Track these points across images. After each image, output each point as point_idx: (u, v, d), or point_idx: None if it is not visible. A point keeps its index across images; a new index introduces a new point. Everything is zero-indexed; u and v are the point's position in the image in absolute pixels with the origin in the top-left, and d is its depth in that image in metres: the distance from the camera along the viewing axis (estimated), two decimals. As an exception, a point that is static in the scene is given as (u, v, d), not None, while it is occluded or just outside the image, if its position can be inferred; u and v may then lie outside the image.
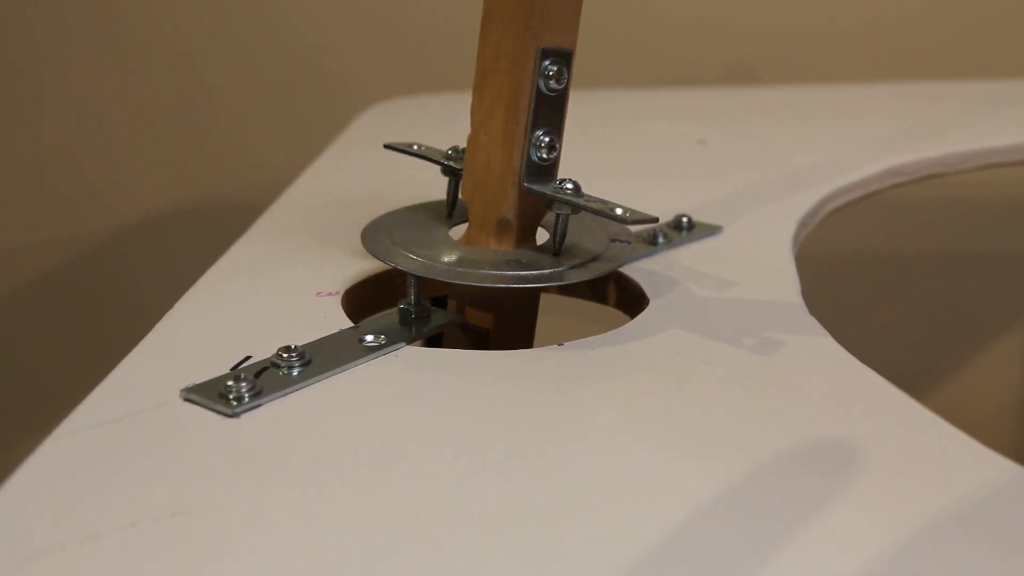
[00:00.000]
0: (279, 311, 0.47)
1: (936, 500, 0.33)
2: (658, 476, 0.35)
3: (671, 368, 0.42)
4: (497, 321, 0.48)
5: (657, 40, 1.12)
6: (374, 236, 0.48)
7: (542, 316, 0.51)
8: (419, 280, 0.46)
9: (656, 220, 0.44)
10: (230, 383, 0.39)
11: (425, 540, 0.31)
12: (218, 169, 1.21)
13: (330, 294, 0.49)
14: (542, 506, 0.33)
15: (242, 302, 0.48)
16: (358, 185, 0.67)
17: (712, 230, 0.57)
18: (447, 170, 0.49)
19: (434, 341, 0.50)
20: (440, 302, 0.49)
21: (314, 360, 0.42)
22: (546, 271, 0.45)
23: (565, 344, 0.44)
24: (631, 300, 0.51)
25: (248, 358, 0.42)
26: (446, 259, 0.46)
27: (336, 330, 0.45)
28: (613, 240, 0.48)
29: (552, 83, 0.44)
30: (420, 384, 0.41)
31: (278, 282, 0.50)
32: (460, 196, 0.49)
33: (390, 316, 0.46)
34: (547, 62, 0.44)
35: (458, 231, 0.50)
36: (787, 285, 0.50)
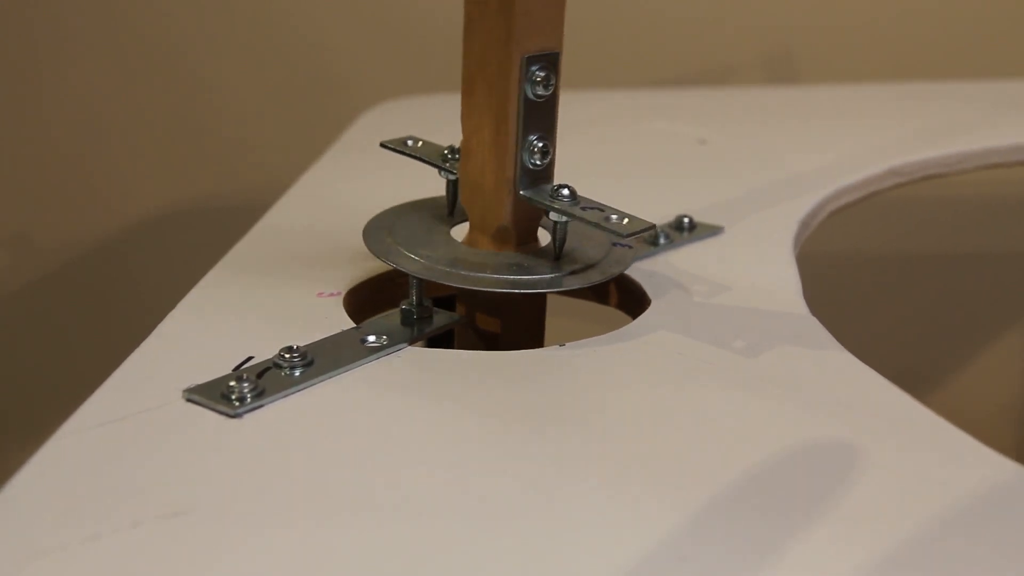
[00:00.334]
0: (281, 312, 0.47)
1: (937, 500, 0.33)
2: (659, 476, 0.35)
3: (672, 368, 0.42)
4: (505, 324, 0.48)
5: (657, 40, 1.12)
6: (376, 234, 0.48)
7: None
8: (421, 281, 0.46)
9: (653, 227, 0.44)
10: (232, 383, 0.39)
11: (426, 540, 0.31)
12: (219, 170, 1.21)
13: (332, 295, 0.49)
14: (544, 506, 0.33)
15: (244, 303, 0.48)
16: (359, 186, 0.68)
17: (713, 231, 0.57)
18: (445, 172, 0.49)
19: (436, 341, 0.50)
20: (442, 302, 0.49)
21: (316, 361, 0.42)
22: (546, 276, 0.45)
23: (567, 344, 0.44)
24: (632, 301, 0.51)
25: (250, 359, 0.42)
26: (447, 261, 0.46)
27: (338, 331, 0.45)
28: (615, 244, 0.48)
29: (540, 89, 0.44)
30: (422, 385, 0.41)
31: (280, 283, 0.50)
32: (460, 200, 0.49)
33: (392, 317, 0.46)
34: (534, 68, 0.43)
35: (459, 230, 0.50)
36: (788, 285, 0.50)
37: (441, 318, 0.47)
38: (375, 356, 0.43)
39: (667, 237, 0.55)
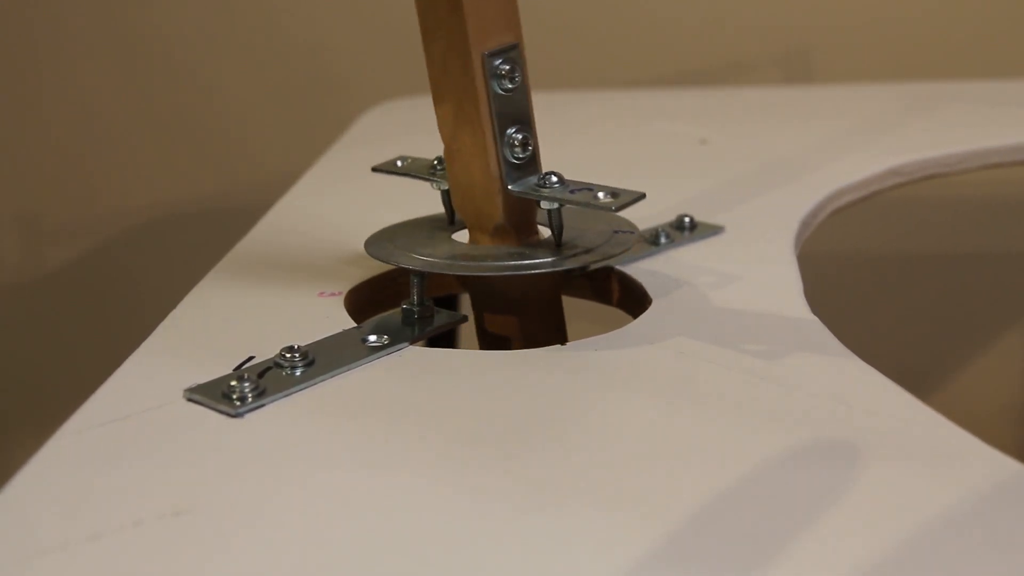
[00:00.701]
0: (282, 312, 0.47)
1: (938, 498, 0.33)
2: (660, 475, 0.35)
3: (674, 368, 0.42)
4: (517, 320, 0.48)
5: (658, 41, 1.12)
6: (377, 244, 0.48)
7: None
8: (422, 280, 0.46)
9: (643, 196, 0.44)
10: (233, 383, 0.39)
11: (427, 539, 0.31)
12: (220, 170, 1.21)
13: (332, 294, 0.49)
14: (545, 505, 0.33)
15: (244, 303, 0.48)
16: (360, 186, 0.68)
17: (714, 230, 0.57)
18: (436, 185, 0.49)
19: (437, 341, 0.50)
20: (444, 302, 0.49)
21: (317, 360, 0.42)
22: (548, 259, 0.45)
23: (568, 344, 0.44)
24: (634, 300, 0.51)
25: (251, 358, 0.42)
26: (448, 256, 0.46)
27: (339, 330, 0.45)
28: (616, 232, 0.48)
29: (506, 82, 0.44)
30: (423, 384, 0.41)
31: (280, 283, 0.50)
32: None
33: (393, 316, 0.46)
34: (497, 63, 0.43)
35: (461, 237, 0.50)
36: (789, 285, 0.50)
37: (442, 318, 0.47)
38: (376, 356, 0.43)
39: (668, 237, 0.55)
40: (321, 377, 0.41)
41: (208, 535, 0.32)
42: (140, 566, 0.30)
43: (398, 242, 0.48)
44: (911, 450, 0.36)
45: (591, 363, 0.42)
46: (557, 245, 0.46)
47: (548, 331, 0.49)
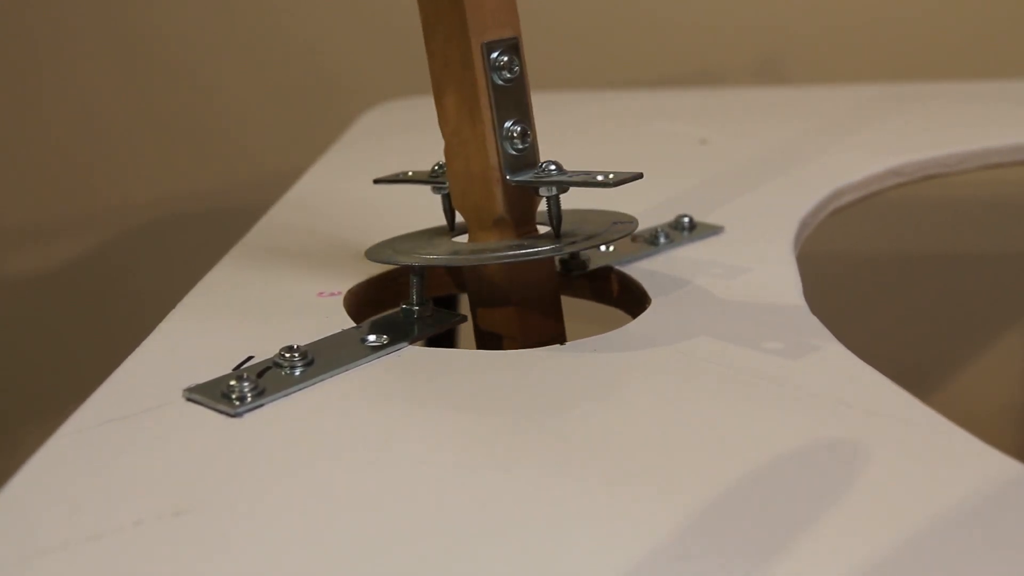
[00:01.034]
0: (281, 311, 0.47)
1: (939, 498, 0.33)
2: (660, 475, 0.35)
3: (673, 367, 0.42)
4: (516, 315, 0.48)
5: (658, 41, 1.12)
6: (378, 251, 0.48)
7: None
8: (421, 279, 0.46)
9: (640, 176, 0.44)
10: (232, 383, 0.39)
11: (428, 539, 0.31)
12: (220, 170, 1.21)
13: (332, 294, 0.49)
14: (545, 505, 0.33)
15: (244, 302, 0.48)
16: (360, 186, 0.68)
17: (713, 230, 0.57)
18: (437, 188, 0.49)
19: (436, 341, 0.50)
20: (444, 302, 0.49)
21: (316, 360, 0.42)
22: (548, 247, 0.45)
23: (567, 344, 0.44)
24: (633, 300, 0.51)
25: (250, 358, 0.42)
26: (447, 252, 0.46)
27: (338, 330, 0.45)
28: (615, 223, 0.48)
29: (506, 73, 0.45)
30: (422, 384, 0.41)
31: (280, 282, 0.50)
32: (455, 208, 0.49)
33: (392, 316, 0.46)
34: (495, 54, 0.44)
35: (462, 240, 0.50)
36: (789, 285, 0.50)
37: (442, 317, 0.47)
38: (375, 355, 0.43)
39: (667, 237, 0.55)
40: (320, 377, 0.41)
41: (208, 535, 0.32)
42: (140, 566, 0.30)
43: (398, 247, 0.48)
44: (911, 450, 0.36)
45: (591, 363, 0.42)
46: (557, 236, 0.46)
47: (547, 328, 0.49)
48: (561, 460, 0.35)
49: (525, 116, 0.46)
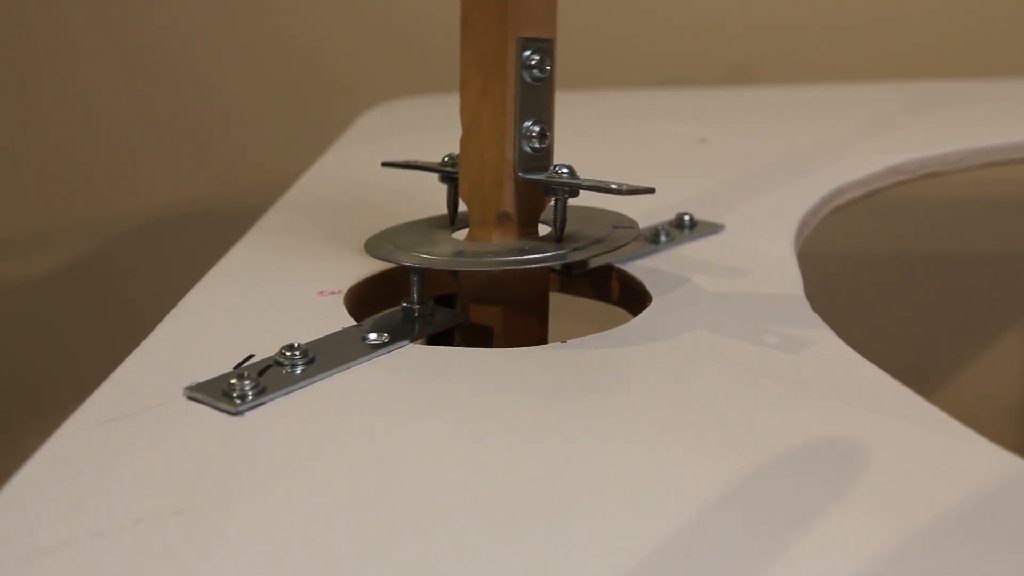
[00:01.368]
0: (281, 310, 0.47)
1: (942, 495, 0.33)
2: (662, 473, 0.34)
3: (674, 365, 0.42)
4: (508, 317, 0.48)
5: (658, 41, 1.12)
6: (378, 244, 0.48)
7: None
8: (422, 278, 0.46)
9: (652, 191, 0.44)
10: (233, 381, 0.39)
11: (429, 538, 0.31)
12: (220, 171, 1.21)
13: (332, 293, 0.49)
14: (547, 504, 0.33)
15: (244, 301, 0.48)
16: (360, 185, 0.68)
17: (714, 228, 0.57)
18: (445, 177, 0.50)
19: (437, 339, 0.50)
20: (444, 301, 0.49)
21: (317, 358, 0.42)
22: (549, 252, 0.45)
23: (568, 342, 0.44)
24: (634, 298, 0.51)
25: (251, 357, 0.42)
26: (449, 253, 0.46)
27: (339, 329, 0.45)
28: (616, 227, 0.48)
29: (536, 72, 0.45)
30: (423, 382, 0.41)
31: (280, 281, 0.50)
32: (460, 197, 0.49)
33: (393, 314, 0.46)
34: (528, 52, 0.45)
35: (461, 236, 0.50)
36: (790, 282, 0.50)
37: (442, 316, 0.47)
38: (376, 354, 0.43)
39: (668, 235, 0.55)
40: (321, 375, 0.41)
41: (209, 533, 0.32)
42: (141, 564, 0.30)
43: (398, 242, 0.48)
44: (913, 446, 0.36)
45: (592, 361, 0.42)
46: (558, 239, 0.46)
47: (532, 330, 0.49)
48: (562, 458, 0.35)
49: (546, 118, 0.46)
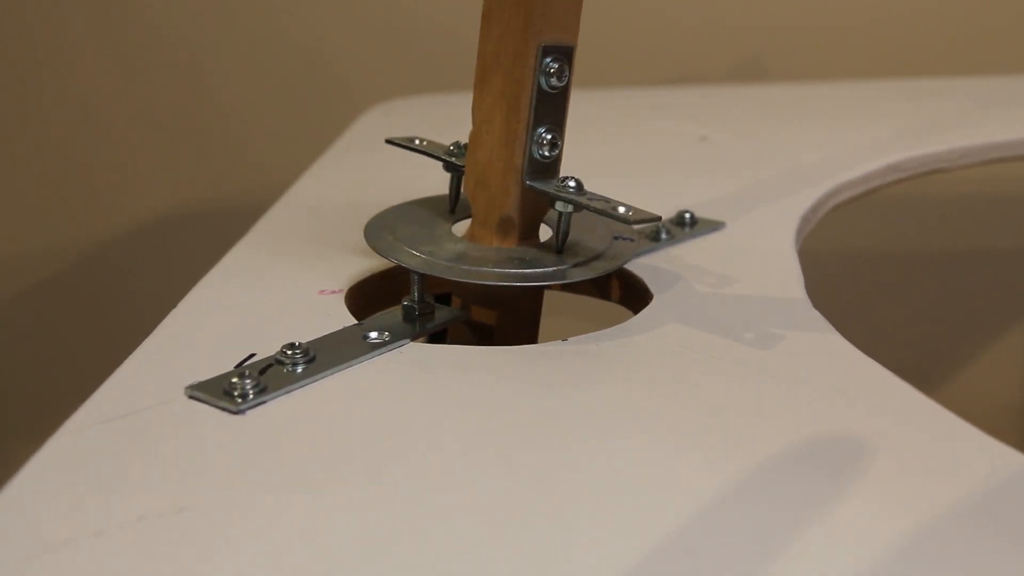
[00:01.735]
0: (282, 309, 0.47)
1: (945, 492, 0.33)
2: (664, 471, 0.34)
3: (675, 363, 0.42)
4: (501, 317, 0.48)
5: (659, 40, 1.12)
6: (377, 232, 0.48)
7: (546, 314, 0.51)
8: (422, 278, 0.46)
9: (659, 219, 0.44)
10: (235, 380, 0.39)
11: (431, 536, 0.31)
12: (220, 171, 1.21)
13: (333, 292, 0.49)
14: (548, 501, 0.33)
15: (245, 300, 0.48)
16: (360, 185, 0.68)
17: (715, 226, 0.57)
18: (449, 166, 0.49)
19: (437, 337, 0.50)
20: (444, 299, 0.49)
21: (318, 357, 0.42)
22: (549, 269, 0.45)
23: (569, 339, 0.44)
24: (635, 296, 0.51)
25: (252, 355, 0.42)
26: (449, 256, 0.46)
27: (340, 327, 0.45)
28: (616, 238, 0.48)
29: (553, 80, 0.44)
30: (424, 380, 0.41)
31: (281, 280, 0.50)
32: (463, 192, 0.49)
33: (394, 313, 0.46)
34: (548, 59, 0.44)
35: (461, 227, 0.50)
36: (791, 280, 0.50)
37: (443, 314, 0.47)
38: (377, 352, 0.43)
39: (669, 233, 0.55)
40: (322, 374, 0.41)
41: (210, 531, 0.32)
42: (143, 562, 0.30)
43: (398, 232, 0.48)
44: (916, 443, 0.36)
45: (593, 358, 0.42)
46: (558, 251, 0.46)
47: (524, 325, 0.49)
48: (563, 456, 0.35)
49: (559, 126, 0.46)
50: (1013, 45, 1.10)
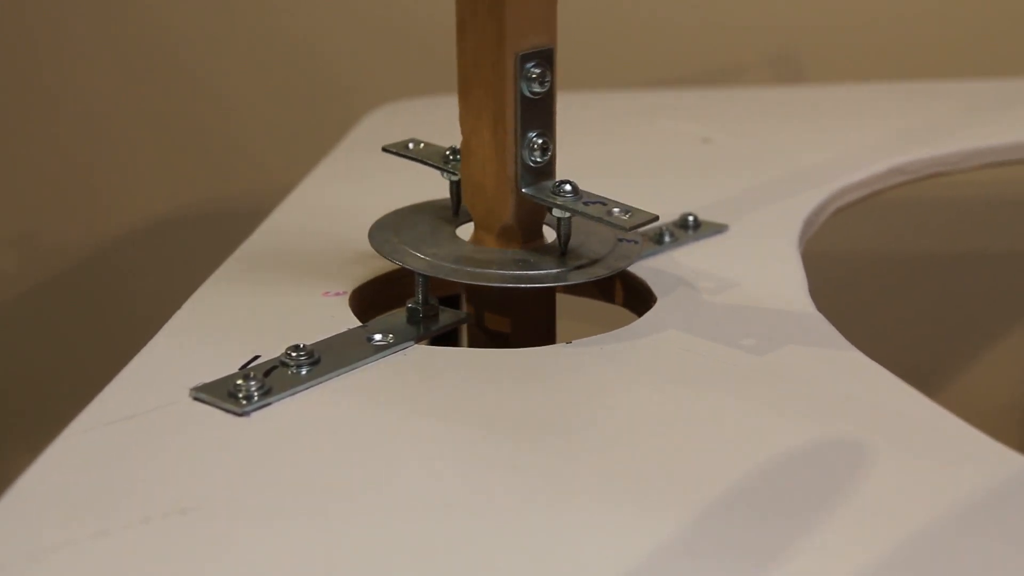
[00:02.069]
0: (286, 311, 0.47)
1: (948, 494, 0.33)
2: (667, 472, 0.34)
3: (679, 365, 0.42)
4: (514, 321, 0.48)
5: (661, 42, 1.12)
6: (381, 235, 0.48)
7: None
8: (426, 280, 0.46)
9: (656, 218, 0.44)
10: (239, 382, 0.39)
11: (435, 537, 0.31)
12: (222, 173, 1.21)
13: (337, 294, 0.49)
14: (551, 504, 0.33)
15: (249, 302, 0.48)
16: (363, 187, 0.68)
17: (718, 229, 0.57)
18: (448, 175, 0.49)
19: (442, 340, 0.50)
20: (448, 301, 0.49)
21: (323, 359, 0.42)
22: (552, 271, 0.45)
23: (573, 342, 0.44)
24: (638, 299, 0.51)
25: (257, 357, 0.42)
26: (453, 258, 0.45)
27: (344, 329, 0.45)
28: (620, 240, 0.48)
29: (535, 86, 0.44)
30: (428, 382, 0.41)
31: (285, 283, 0.50)
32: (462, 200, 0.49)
33: (398, 315, 0.46)
34: (529, 65, 0.43)
35: (465, 230, 0.50)
36: (794, 283, 0.50)
37: (447, 316, 0.47)
38: (381, 354, 0.43)
39: (672, 235, 0.55)
40: (327, 376, 0.41)
41: (215, 533, 0.32)
42: (147, 563, 0.30)
43: (403, 235, 0.48)
44: (919, 445, 0.36)
45: (597, 361, 0.42)
46: (562, 254, 0.46)
47: (539, 328, 0.49)
48: (567, 458, 0.35)
49: (548, 129, 0.45)
50: (1016, 48, 1.10)
